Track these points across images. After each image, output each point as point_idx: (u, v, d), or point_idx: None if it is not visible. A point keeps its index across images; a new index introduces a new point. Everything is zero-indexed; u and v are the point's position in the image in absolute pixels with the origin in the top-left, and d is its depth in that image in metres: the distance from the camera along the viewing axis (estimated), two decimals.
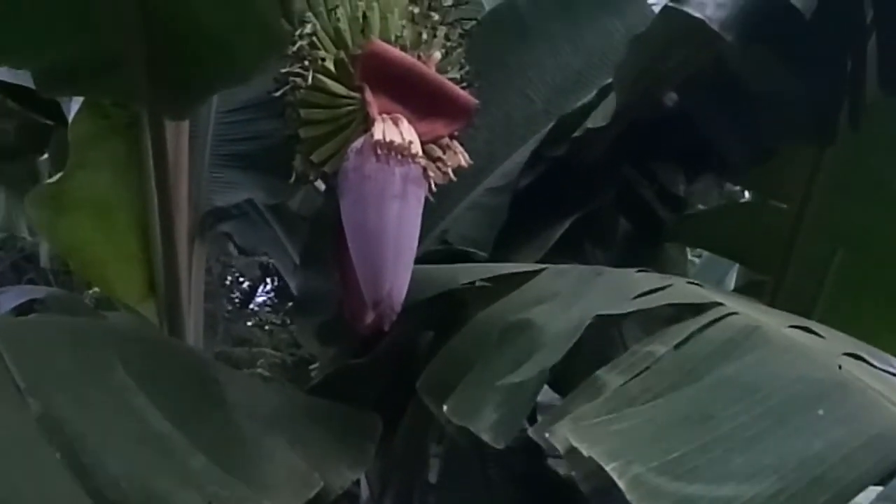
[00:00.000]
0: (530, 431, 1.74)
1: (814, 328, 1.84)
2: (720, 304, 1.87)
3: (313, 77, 2.14)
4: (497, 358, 1.95)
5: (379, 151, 2.02)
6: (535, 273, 2.21)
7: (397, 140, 2.02)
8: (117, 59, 2.41)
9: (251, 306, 10.11)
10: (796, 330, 1.81)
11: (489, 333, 2.06)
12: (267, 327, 9.31)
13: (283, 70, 2.24)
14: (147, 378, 1.80)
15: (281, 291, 9.74)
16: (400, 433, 2.69)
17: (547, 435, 1.63)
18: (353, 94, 2.16)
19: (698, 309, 1.86)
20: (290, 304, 9.27)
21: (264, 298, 10.26)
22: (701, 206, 3.29)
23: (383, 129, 2.02)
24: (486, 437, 1.80)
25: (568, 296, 2.04)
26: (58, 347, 1.78)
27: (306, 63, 2.17)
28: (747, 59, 2.72)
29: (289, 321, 8.90)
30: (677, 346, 1.76)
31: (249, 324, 9.52)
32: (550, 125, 2.79)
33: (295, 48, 2.21)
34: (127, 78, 2.44)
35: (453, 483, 2.84)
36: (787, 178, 3.06)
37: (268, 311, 9.74)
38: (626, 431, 1.58)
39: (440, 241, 2.84)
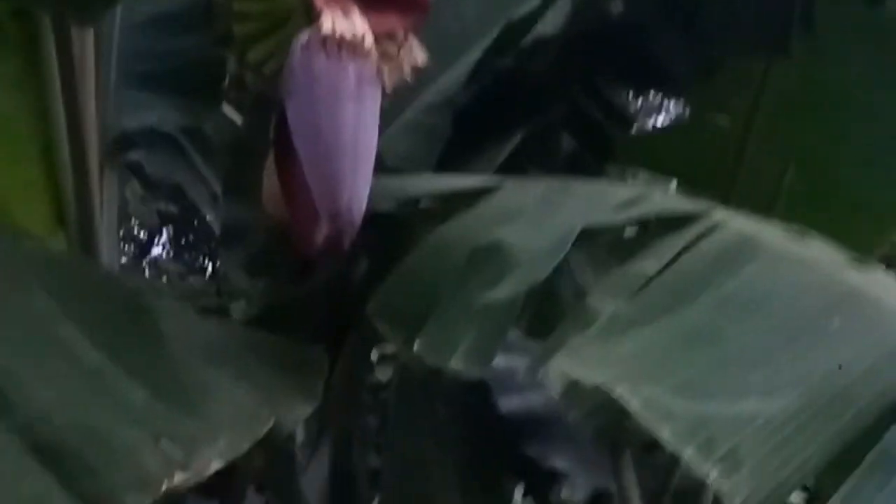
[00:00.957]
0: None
1: (808, 239, 1.70)
2: (709, 213, 1.72)
3: None
4: (466, 285, 1.76)
5: (329, 46, 1.79)
6: (493, 188, 2.03)
7: (349, 33, 1.79)
8: None
9: (150, 256, 9.74)
10: (792, 240, 1.68)
11: (450, 256, 1.87)
12: (165, 278, 8.97)
13: None
14: (72, 305, 1.57)
15: (179, 240, 9.42)
16: (337, 369, 2.50)
17: (540, 374, 1.46)
18: None
19: (686, 220, 1.71)
20: (189, 253, 8.99)
21: (162, 249, 9.89)
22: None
23: (332, 21, 1.79)
24: (457, 367, 1.63)
25: (537, 211, 1.87)
26: None
27: None
28: None
29: (188, 271, 8.62)
30: (670, 263, 1.61)
31: (147, 275, 9.16)
32: (491, 35, 2.58)
33: None
34: None
35: (399, 421, 2.66)
36: (733, 94, 2.93)
37: (169, 261, 9.38)
38: (630, 357, 1.44)
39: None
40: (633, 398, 1.32)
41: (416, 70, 1.94)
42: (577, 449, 2.93)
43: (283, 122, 1.88)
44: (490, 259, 1.77)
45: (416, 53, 1.94)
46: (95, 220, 2.55)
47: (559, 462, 2.91)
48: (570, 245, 1.62)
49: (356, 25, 1.80)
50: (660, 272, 1.60)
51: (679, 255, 1.62)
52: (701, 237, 1.66)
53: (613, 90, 2.84)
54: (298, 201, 1.93)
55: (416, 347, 1.71)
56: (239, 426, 1.61)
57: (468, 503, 2.62)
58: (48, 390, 1.39)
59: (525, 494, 3.17)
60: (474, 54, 2.55)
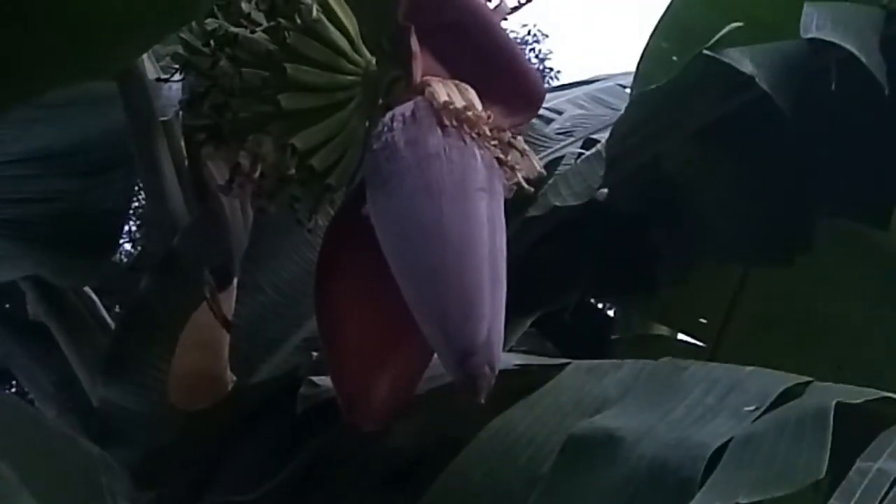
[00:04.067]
0: None
1: None
2: None
3: (314, 17, 1.34)
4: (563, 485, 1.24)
5: (446, 120, 1.25)
6: (555, 368, 1.52)
7: (472, 108, 1.27)
8: None
9: None
10: None
11: (518, 455, 1.36)
12: None
13: None
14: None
15: None
16: None
17: None
18: (358, 57, 1.40)
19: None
20: None
21: None
22: None
23: (447, 92, 1.27)
24: None
25: (638, 400, 1.38)
26: None
27: None
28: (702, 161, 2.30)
29: None
30: None
31: None
32: None
33: None
34: None
35: None
36: (704, 309, 2.59)
37: None
38: None
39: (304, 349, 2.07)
40: None
41: (531, 182, 1.41)
42: None
43: (345, 233, 1.31)
44: (597, 455, 1.26)
45: (533, 161, 1.41)
46: None
47: None
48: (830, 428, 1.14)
49: (475, 101, 1.29)
50: None
51: None
52: None
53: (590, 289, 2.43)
54: (355, 348, 1.35)
55: None
56: None
57: None
58: None
59: None
60: None
